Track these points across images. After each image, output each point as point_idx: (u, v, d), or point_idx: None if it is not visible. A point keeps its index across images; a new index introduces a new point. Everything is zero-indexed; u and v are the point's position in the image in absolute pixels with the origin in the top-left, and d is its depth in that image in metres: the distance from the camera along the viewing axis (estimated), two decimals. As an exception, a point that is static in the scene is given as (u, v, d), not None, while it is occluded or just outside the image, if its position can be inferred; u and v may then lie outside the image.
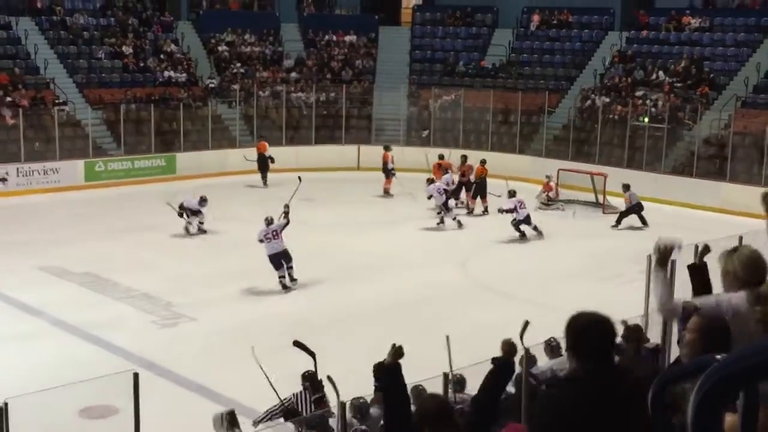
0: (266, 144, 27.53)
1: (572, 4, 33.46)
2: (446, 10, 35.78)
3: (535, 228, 20.13)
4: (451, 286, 16.68)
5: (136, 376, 7.74)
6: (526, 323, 8.64)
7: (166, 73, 30.94)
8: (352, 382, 9.91)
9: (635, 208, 21.63)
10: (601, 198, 23.94)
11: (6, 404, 6.93)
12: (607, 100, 29.02)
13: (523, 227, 19.94)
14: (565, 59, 32.35)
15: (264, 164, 26.99)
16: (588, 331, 3.45)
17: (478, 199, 23.26)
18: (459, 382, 8.83)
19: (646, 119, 27.43)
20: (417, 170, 25.65)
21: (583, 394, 3.33)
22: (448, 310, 14.99)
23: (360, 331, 13.82)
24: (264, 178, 26.87)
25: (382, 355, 6.42)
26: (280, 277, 15.95)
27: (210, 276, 16.83)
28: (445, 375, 8.79)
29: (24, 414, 7.95)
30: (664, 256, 4.61)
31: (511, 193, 20.45)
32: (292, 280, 16.14)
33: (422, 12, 36.82)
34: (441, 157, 24.96)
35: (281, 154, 29.22)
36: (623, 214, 21.75)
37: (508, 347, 7.82)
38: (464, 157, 24.79)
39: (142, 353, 12.71)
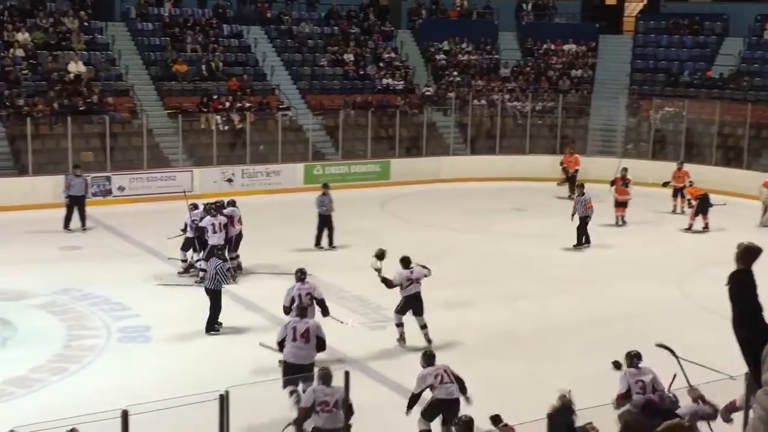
0: (578, 158, 27.51)
1: (812, 10, 31.31)
2: (671, 18, 34.44)
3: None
4: (666, 304, 15.96)
5: (347, 374, 7.90)
6: None
7: (384, 81, 31.62)
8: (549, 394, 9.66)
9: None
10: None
11: (227, 392, 7.23)
12: None
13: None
14: (801, 69, 30.33)
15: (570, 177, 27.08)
16: None
17: (699, 216, 22.18)
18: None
19: None
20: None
21: None
22: (660, 329, 14.33)
23: (564, 345, 13.48)
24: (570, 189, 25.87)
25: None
26: None
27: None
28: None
29: (244, 404, 8.28)
30: None
31: None
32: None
33: (646, 20, 35.63)
34: (625, 171, 23.25)
35: (495, 162, 29.23)
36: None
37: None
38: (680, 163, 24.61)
39: (351, 353, 12.96)
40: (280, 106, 29.07)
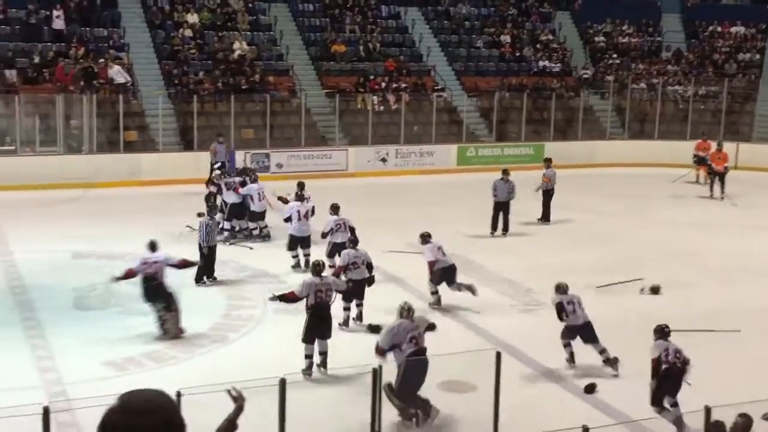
0: (710, 144, 25.33)
1: None
2: None
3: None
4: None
5: (498, 355, 7.89)
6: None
7: (541, 63, 31.21)
8: (717, 384, 9.36)
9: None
10: None
11: (380, 367, 7.38)
12: None
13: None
14: None
15: (701, 164, 25.18)
16: None
17: None
18: None
19: None
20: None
21: None
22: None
23: (727, 337, 12.99)
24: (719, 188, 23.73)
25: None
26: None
27: (565, 266, 16.65)
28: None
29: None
30: None
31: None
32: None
33: (823, 1, 33.73)
34: None
35: (653, 148, 28.45)
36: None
37: None
38: None
39: (500, 335, 12.94)
40: (436, 88, 29.17)
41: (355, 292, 12.96)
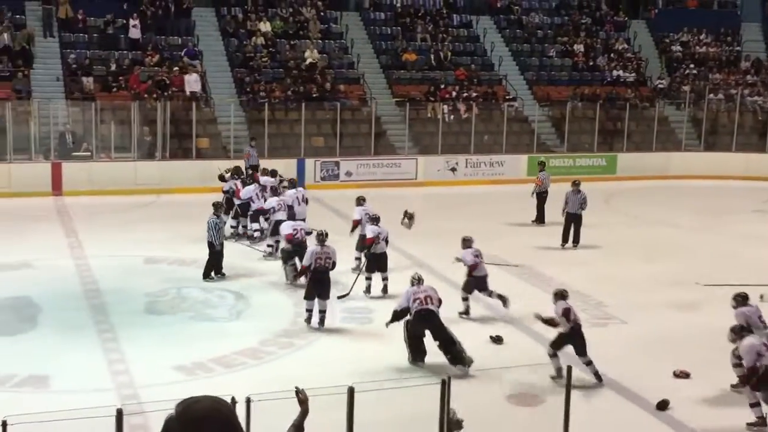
0: None
1: None
2: None
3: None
4: None
5: (569, 369, 7.75)
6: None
7: (614, 73, 30.79)
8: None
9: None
10: None
11: (449, 378, 7.29)
12: None
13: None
14: None
15: None
16: None
17: None
18: None
19: None
20: None
21: None
22: None
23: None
24: None
25: None
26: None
27: (639, 279, 16.35)
28: None
29: (460, 391, 8.33)
30: None
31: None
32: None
33: None
34: None
35: (730, 160, 27.81)
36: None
37: None
38: None
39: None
40: (507, 97, 28.96)
41: (375, 264, 14.73)
